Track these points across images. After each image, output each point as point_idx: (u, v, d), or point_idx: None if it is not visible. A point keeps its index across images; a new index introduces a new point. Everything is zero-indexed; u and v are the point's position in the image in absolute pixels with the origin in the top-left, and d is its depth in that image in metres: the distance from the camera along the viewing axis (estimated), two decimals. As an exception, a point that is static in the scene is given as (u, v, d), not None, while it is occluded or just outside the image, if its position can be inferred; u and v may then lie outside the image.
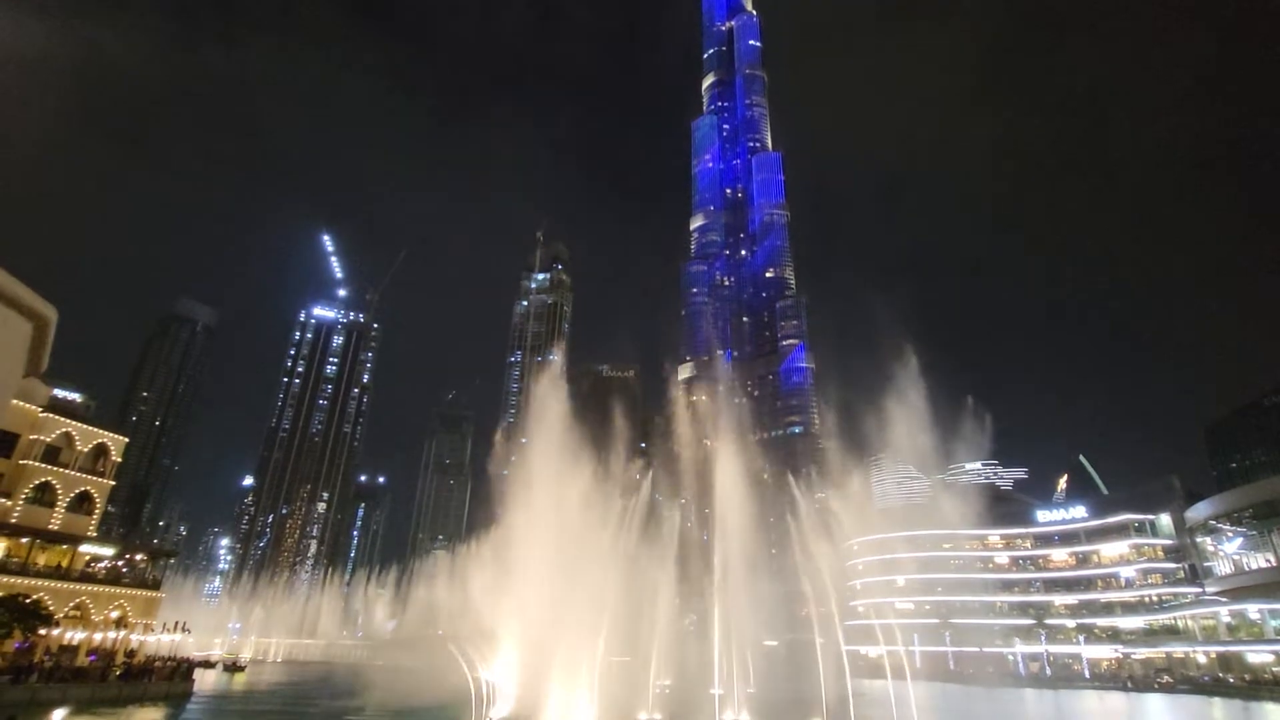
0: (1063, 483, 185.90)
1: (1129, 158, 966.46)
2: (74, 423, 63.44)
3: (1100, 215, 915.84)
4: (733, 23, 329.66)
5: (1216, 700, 78.64)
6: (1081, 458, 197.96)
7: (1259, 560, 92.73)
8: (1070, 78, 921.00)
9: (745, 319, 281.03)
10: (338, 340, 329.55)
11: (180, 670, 61.53)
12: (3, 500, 57.55)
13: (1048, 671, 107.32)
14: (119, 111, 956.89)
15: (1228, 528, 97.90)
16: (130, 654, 60.89)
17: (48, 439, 60.71)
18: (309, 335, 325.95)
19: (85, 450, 63.47)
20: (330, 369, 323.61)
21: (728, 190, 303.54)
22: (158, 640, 68.77)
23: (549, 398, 61.94)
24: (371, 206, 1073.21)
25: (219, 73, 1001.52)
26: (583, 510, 52.12)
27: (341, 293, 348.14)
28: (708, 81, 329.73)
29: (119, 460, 67.44)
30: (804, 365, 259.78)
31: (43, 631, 53.38)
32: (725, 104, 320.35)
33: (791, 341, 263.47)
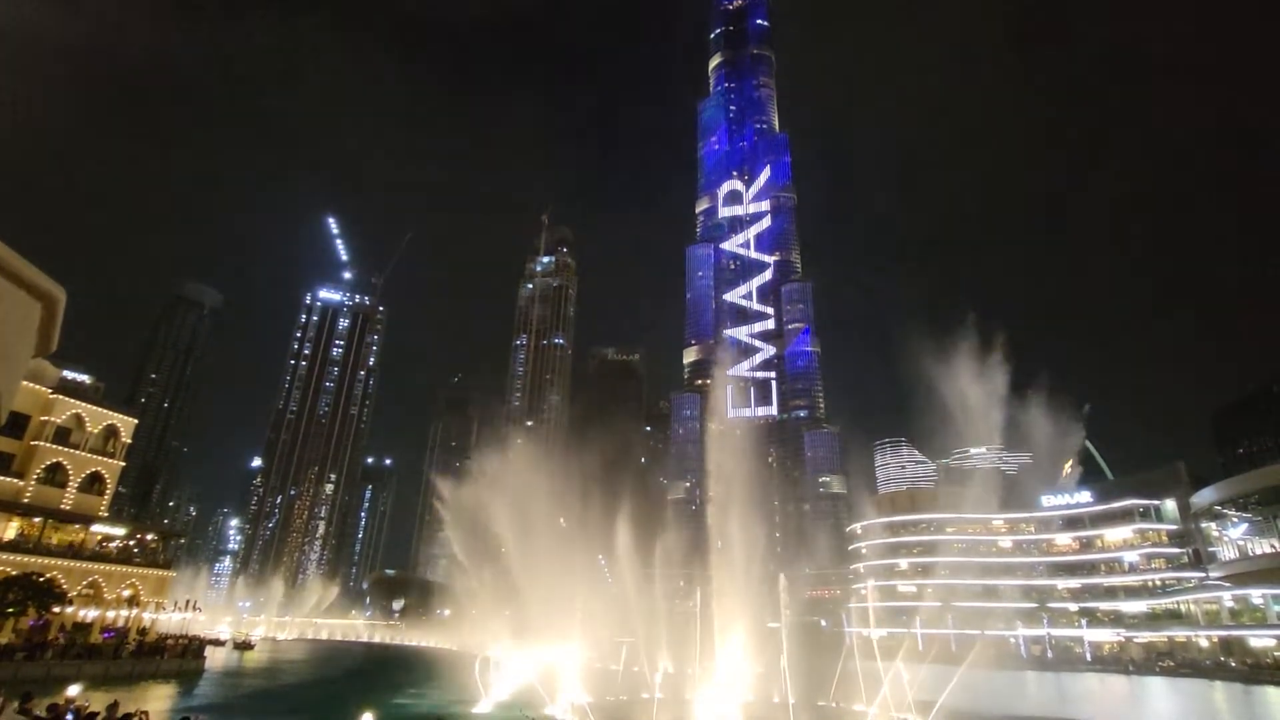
0: (1068, 467, 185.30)
1: (1149, 139, 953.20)
2: (84, 404, 63.93)
3: (1111, 198, 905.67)
4: (741, 2, 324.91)
5: (1218, 684, 79.02)
6: (1087, 443, 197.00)
7: (1263, 546, 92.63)
8: (1100, 52, 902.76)
9: (750, 302, 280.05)
10: (344, 323, 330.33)
11: (192, 648, 62.52)
12: (15, 481, 58.22)
13: (1049, 654, 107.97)
14: (121, 92, 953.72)
15: (1233, 513, 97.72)
16: (143, 632, 61.85)
17: (58, 420, 61.24)
18: (315, 318, 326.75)
19: (95, 431, 64.02)
20: (336, 351, 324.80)
21: (734, 172, 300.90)
22: (169, 618, 69.78)
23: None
24: (377, 189, 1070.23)
25: (222, 51, 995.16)
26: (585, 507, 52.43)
27: (347, 275, 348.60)
28: (714, 62, 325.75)
29: (128, 441, 68.06)
30: (809, 349, 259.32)
31: (57, 609, 54.16)
32: (732, 85, 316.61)
33: (797, 325, 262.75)
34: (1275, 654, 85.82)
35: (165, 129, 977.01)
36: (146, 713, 19.25)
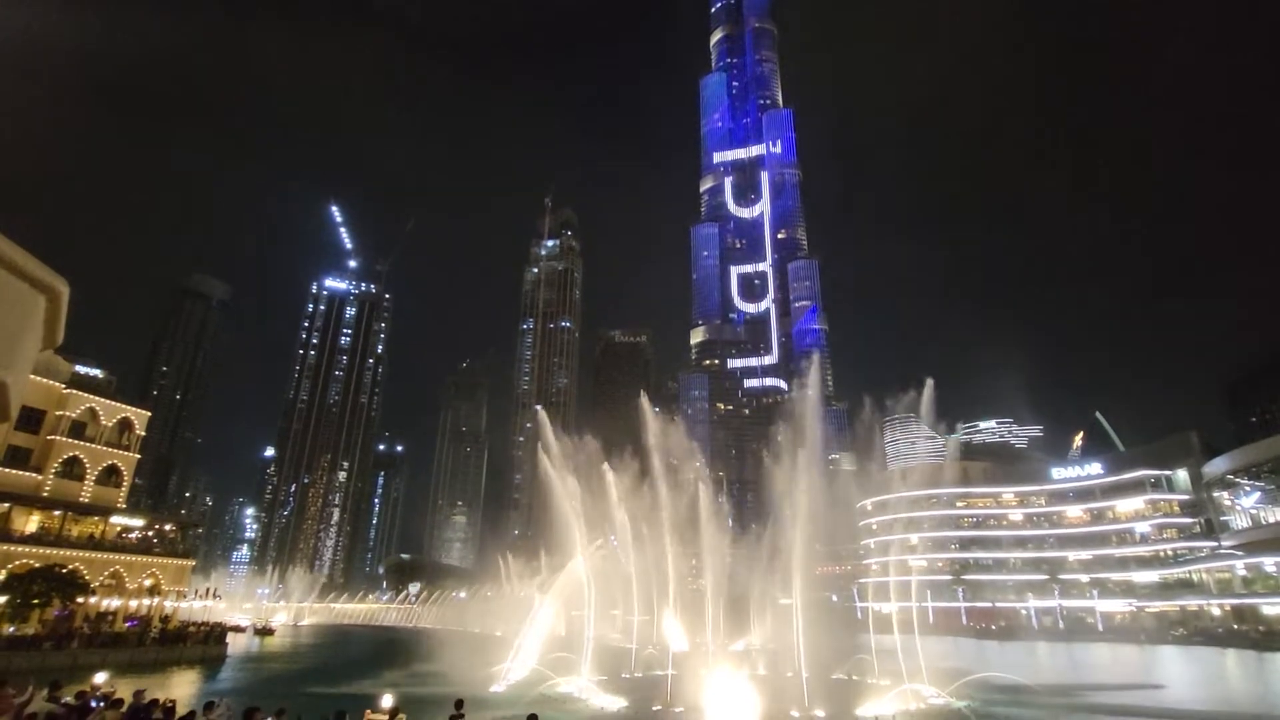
0: (1079, 439, 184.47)
1: (1155, 109, 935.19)
2: (98, 398, 64.51)
3: (1121, 169, 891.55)
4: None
5: (1230, 652, 79.24)
6: (1098, 414, 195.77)
7: (1276, 514, 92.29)
8: (1114, 16, 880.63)
9: (757, 281, 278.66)
10: (350, 311, 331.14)
11: (214, 634, 63.65)
12: (34, 475, 59.01)
13: (1061, 625, 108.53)
14: (124, 86, 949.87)
15: (1245, 482, 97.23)
16: (165, 620, 63.00)
17: (73, 415, 61.85)
18: (322, 307, 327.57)
19: (110, 425, 64.67)
20: (344, 340, 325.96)
21: (738, 149, 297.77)
22: (190, 606, 70.97)
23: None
24: (379, 176, 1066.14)
25: (223, 38, 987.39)
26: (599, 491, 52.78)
27: (352, 264, 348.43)
28: (716, 37, 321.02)
29: (143, 434, 68.70)
30: (816, 327, 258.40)
31: (80, 600, 55.20)
32: (734, 60, 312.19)
33: (804, 303, 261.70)
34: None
35: (167, 121, 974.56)
36: (175, 701, 19.58)
